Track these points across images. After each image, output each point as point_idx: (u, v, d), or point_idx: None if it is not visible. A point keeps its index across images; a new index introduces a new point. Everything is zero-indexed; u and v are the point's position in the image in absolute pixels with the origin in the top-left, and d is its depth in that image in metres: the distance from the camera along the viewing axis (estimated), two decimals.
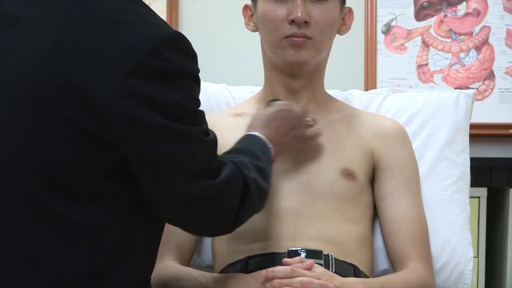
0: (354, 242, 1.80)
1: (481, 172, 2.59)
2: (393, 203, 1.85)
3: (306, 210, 1.79)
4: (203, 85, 2.10)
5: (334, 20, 1.87)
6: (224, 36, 2.79)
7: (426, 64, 2.78)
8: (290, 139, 1.75)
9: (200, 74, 1.49)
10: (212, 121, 1.90)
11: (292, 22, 1.81)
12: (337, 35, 1.92)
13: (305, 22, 1.81)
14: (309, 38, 1.82)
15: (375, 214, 1.89)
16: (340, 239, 1.77)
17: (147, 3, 2.74)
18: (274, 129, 1.72)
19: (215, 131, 1.88)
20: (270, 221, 1.78)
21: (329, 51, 1.91)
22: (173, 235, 1.82)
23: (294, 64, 1.85)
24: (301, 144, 1.79)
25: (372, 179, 1.89)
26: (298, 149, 1.80)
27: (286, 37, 1.82)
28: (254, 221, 1.77)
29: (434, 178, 1.98)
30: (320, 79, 1.94)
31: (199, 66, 1.48)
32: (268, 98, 1.93)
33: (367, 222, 1.85)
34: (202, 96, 2.03)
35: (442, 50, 2.78)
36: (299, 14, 1.80)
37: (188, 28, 2.80)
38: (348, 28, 1.93)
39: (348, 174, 1.83)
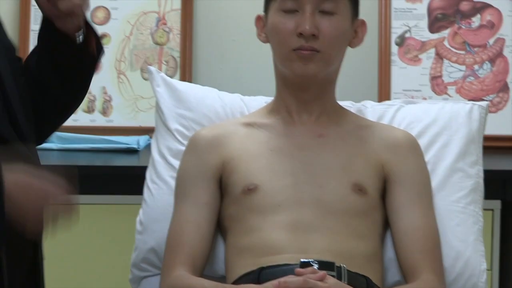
0: (364, 257, 1.79)
1: (495, 184, 2.57)
2: (405, 214, 1.84)
3: (317, 224, 1.79)
4: (219, 94, 2.12)
5: (344, 33, 1.86)
6: (238, 47, 2.80)
7: (440, 76, 2.77)
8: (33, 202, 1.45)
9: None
10: (225, 130, 1.92)
11: (300, 34, 1.81)
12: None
13: (313, 35, 1.81)
14: (317, 51, 1.82)
15: (386, 229, 1.89)
16: (350, 254, 1.77)
17: (161, 13, 2.76)
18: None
19: (228, 141, 1.89)
20: (282, 235, 1.78)
21: (340, 63, 1.91)
22: (186, 245, 1.82)
23: (302, 76, 1.85)
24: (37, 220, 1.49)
25: (384, 193, 1.88)
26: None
27: (294, 50, 1.82)
28: (266, 235, 1.78)
29: (447, 190, 1.97)
30: (331, 91, 1.93)
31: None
32: (280, 109, 1.93)
33: (377, 237, 1.85)
34: (218, 105, 2.07)
35: (456, 62, 2.78)
36: (307, 27, 1.80)
37: (203, 39, 2.81)
38: (360, 41, 1.93)
39: (359, 190, 1.83)
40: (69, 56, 1.65)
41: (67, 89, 1.71)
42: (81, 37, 1.66)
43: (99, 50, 1.71)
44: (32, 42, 2.72)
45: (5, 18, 1.76)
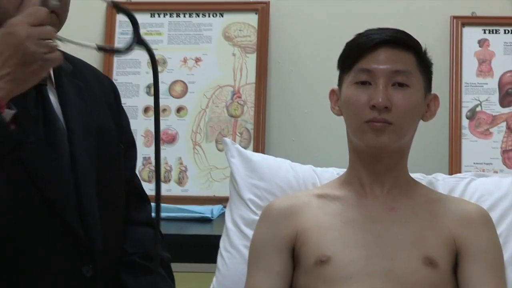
0: None
1: None
2: None
3: None
4: (292, 165, 2.15)
5: (416, 106, 1.89)
6: (310, 119, 2.84)
7: None
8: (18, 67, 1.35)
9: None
10: (299, 201, 1.94)
11: (373, 107, 1.84)
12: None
13: (386, 107, 1.84)
14: (390, 123, 1.85)
15: None
16: None
17: (236, 87, 2.82)
18: None
19: (301, 212, 1.92)
20: None
21: (413, 136, 1.93)
22: None
23: (374, 148, 1.87)
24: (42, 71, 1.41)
25: (456, 267, 1.87)
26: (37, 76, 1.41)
27: (367, 122, 1.85)
28: None
29: None
30: (403, 163, 1.95)
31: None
32: (353, 181, 1.95)
33: None
34: (290, 176, 2.10)
35: None
36: (380, 100, 1.83)
37: (276, 111, 2.85)
38: (433, 115, 1.95)
39: (430, 263, 1.82)
40: None
41: None
42: None
43: None
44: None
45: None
